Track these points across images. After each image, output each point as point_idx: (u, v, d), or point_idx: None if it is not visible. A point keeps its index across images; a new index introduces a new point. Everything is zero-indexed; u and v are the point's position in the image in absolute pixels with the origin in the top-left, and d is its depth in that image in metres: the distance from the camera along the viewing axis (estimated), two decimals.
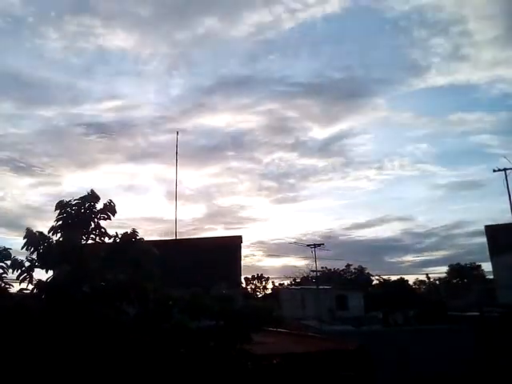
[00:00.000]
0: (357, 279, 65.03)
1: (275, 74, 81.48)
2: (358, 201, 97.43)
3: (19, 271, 6.64)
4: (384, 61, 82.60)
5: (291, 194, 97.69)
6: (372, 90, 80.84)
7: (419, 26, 76.92)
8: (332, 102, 78.69)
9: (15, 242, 7.36)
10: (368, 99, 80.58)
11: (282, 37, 79.43)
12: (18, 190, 66.00)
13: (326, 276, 58.96)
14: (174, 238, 25.34)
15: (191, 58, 79.18)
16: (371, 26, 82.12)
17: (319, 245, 41.62)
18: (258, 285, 72.24)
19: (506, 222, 30.62)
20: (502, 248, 29.85)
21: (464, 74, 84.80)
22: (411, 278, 66.74)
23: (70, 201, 7.05)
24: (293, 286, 58.73)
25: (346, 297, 43.10)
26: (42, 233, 6.91)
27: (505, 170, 31.00)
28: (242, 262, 23.45)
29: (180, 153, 28.47)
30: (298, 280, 63.42)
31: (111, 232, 7.28)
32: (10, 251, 6.76)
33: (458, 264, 63.12)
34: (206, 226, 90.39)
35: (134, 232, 7.21)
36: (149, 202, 79.91)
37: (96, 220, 7.14)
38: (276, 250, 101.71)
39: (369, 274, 65.75)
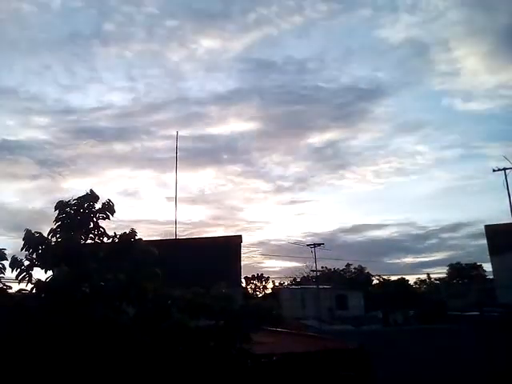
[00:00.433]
0: (357, 279, 65.05)
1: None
2: (358, 201, 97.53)
3: (18, 270, 6.64)
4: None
5: (292, 195, 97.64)
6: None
7: None
8: (330, 108, 78.18)
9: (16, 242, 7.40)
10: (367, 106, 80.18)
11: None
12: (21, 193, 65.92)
13: (326, 276, 58.97)
14: (174, 238, 25.33)
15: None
16: None
17: (319, 244, 41.63)
18: (258, 284, 72.28)
19: (506, 222, 30.60)
20: (502, 248, 29.83)
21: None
22: (411, 278, 66.74)
23: (69, 201, 7.06)
24: (293, 286, 58.76)
25: (346, 296, 43.16)
26: (41, 234, 6.91)
27: (504, 169, 30.97)
28: (242, 262, 23.46)
29: (179, 155, 28.32)
30: (298, 280, 63.46)
31: (112, 233, 7.31)
32: (13, 254, 6.78)
33: (459, 263, 63.13)
34: (207, 229, 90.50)
35: (133, 232, 7.21)
36: (149, 205, 79.85)
37: (95, 220, 7.15)
38: (276, 250, 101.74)
39: (369, 274, 65.78)
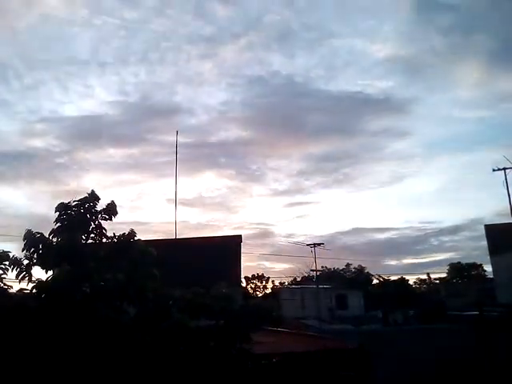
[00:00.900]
0: (357, 279, 64.99)
1: None
2: (357, 202, 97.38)
3: (18, 269, 6.66)
4: None
5: (292, 196, 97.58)
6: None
7: None
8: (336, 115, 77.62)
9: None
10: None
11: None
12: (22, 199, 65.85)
13: (326, 275, 58.91)
14: (174, 237, 25.31)
15: None
16: None
17: (319, 244, 41.60)
18: (258, 284, 72.25)
19: (506, 222, 30.61)
20: (501, 248, 29.85)
21: None
22: (411, 278, 66.68)
23: (69, 202, 7.08)
24: (293, 286, 58.73)
25: (346, 296, 43.12)
26: (42, 234, 6.93)
27: (504, 169, 30.98)
28: (242, 262, 23.43)
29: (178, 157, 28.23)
30: (298, 279, 63.44)
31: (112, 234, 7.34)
32: (14, 255, 6.80)
33: (459, 263, 63.12)
34: (206, 230, 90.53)
35: (133, 232, 7.23)
36: (149, 208, 79.75)
37: (96, 220, 7.17)
38: (276, 250, 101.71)
39: (369, 274, 65.72)
